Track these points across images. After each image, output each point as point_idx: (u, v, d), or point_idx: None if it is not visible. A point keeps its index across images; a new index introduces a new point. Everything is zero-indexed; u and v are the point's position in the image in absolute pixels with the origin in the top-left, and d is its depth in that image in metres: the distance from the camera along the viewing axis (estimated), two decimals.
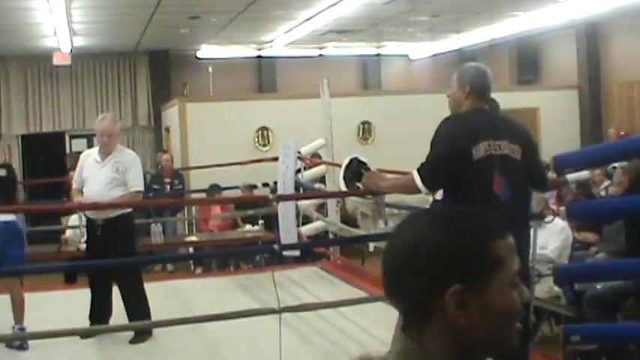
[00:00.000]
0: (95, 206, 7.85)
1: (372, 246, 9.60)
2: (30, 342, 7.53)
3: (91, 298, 8.12)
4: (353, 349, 7.11)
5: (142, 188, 7.95)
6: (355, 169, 6.20)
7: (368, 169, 6.12)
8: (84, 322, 8.07)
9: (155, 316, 7.87)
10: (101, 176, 7.84)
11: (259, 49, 18.67)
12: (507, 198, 4.58)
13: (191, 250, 13.52)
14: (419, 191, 4.91)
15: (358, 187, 6.10)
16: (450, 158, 4.61)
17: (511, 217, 4.54)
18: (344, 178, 6.24)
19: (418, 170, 4.79)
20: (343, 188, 6.25)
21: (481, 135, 4.61)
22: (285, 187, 10.12)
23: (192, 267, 13.89)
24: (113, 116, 8.42)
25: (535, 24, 16.03)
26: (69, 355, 7.46)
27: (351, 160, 6.30)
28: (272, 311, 6.29)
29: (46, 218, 14.98)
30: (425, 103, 15.56)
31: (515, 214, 4.57)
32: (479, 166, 4.56)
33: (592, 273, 5.79)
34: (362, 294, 9.22)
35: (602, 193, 10.59)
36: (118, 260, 7.75)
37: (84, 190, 7.93)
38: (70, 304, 9.21)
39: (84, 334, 7.84)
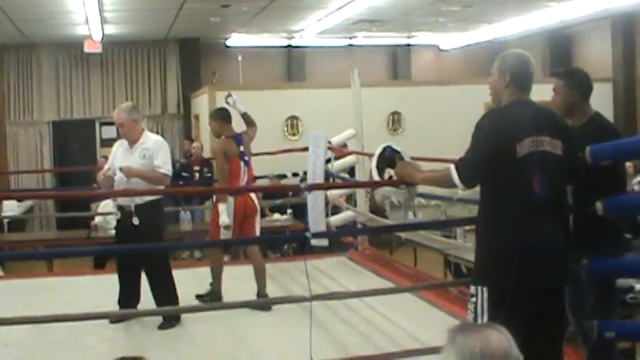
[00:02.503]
0: (124, 193, 7.88)
1: (404, 236, 9.57)
2: (59, 325, 7.55)
3: (120, 283, 8.16)
4: (379, 340, 7.09)
5: (169, 172, 7.93)
6: (388, 158, 6.11)
7: (402, 158, 6.02)
8: (112, 308, 8.11)
9: (183, 302, 7.91)
10: (130, 163, 7.88)
11: (289, 38, 18.64)
12: (544, 195, 4.49)
13: None
14: (455, 186, 4.85)
15: (391, 177, 6.01)
16: (493, 156, 4.49)
17: (547, 215, 4.51)
18: (377, 166, 6.15)
19: (456, 165, 4.72)
20: (376, 177, 6.17)
21: (525, 131, 4.49)
22: (315, 177, 10.05)
23: None
24: (128, 104, 8.39)
25: (569, 15, 15.89)
26: (98, 339, 7.49)
27: (384, 149, 6.21)
28: (303, 299, 6.24)
29: (75, 204, 15.05)
30: (455, 94, 15.52)
31: (551, 211, 4.51)
32: (522, 163, 4.46)
33: (628, 269, 5.70)
34: (389, 285, 9.19)
35: (636, 188, 10.51)
36: (146, 246, 7.79)
37: (115, 178, 7.97)
38: (99, 290, 9.24)
39: (113, 319, 7.89)
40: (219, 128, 8.86)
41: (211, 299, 8.75)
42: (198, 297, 8.83)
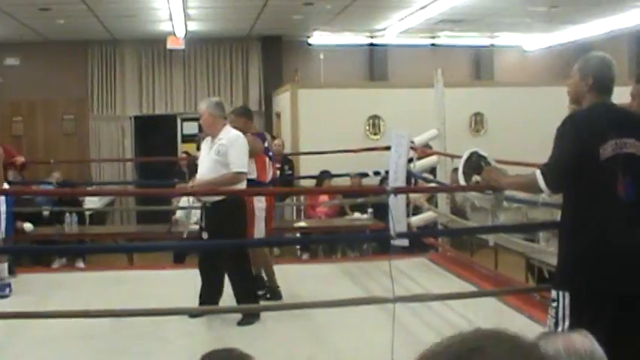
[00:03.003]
0: (190, 192, 7.94)
1: (491, 240, 9.46)
2: (140, 319, 7.62)
3: (201, 278, 8.21)
4: None
5: (242, 169, 7.90)
6: (475, 163, 6.06)
7: (488, 163, 5.97)
8: (192, 302, 8.16)
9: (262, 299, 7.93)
10: (207, 159, 7.97)
11: (371, 37, 18.57)
12: (630, 199, 4.40)
13: (298, 235, 13.55)
14: (541, 191, 4.78)
15: (477, 182, 5.96)
16: (576, 159, 4.42)
17: (632, 219, 4.41)
18: (463, 172, 6.10)
19: (541, 170, 4.65)
20: (462, 182, 6.12)
21: (608, 133, 4.41)
22: (397, 177, 10.05)
23: (298, 252, 13.89)
24: (212, 99, 8.47)
25: None
26: (177, 333, 7.55)
27: (471, 154, 6.16)
28: (385, 300, 6.18)
29: (156, 197, 15.21)
30: (539, 95, 15.31)
31: (637, 214, 4.42)
32: (605, 166, 4.38)
33: None
34: (470, 287, 9.11)
35: None
36: (225, 242, 7.83)
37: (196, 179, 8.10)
38: (179, 284, 9.31)
39: (193, 314, 7.94)
40: (243, 126, 8.83)
41: (271, 297, 8.89)
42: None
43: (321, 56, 18.01)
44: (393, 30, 17.27)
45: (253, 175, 8.66)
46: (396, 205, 9.44)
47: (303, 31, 17.92)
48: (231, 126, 8.89)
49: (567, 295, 4.38)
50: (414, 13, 15.24)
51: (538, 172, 4.66)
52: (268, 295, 9.05)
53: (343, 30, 17.64)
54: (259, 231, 8.81)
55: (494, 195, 5.89)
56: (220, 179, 7.77)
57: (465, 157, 6.16)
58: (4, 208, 9.27)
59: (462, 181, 6.11)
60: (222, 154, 7.82)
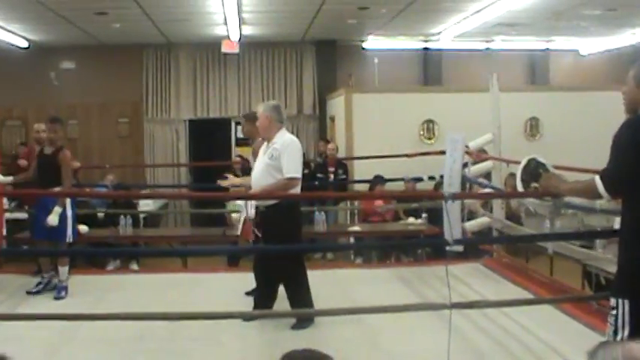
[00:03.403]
0: (244, 196, 7.96)
1: (550, 248, 9.37)
2: (194, 321, 7.64)
3: (256, 282, 8.22)
4: (516, 350, 6.93)
5: (295, 174, 7.81)
6: (533, 170, 6.00)
7: (547, 170, 5.91)
8: (246, 305, 8.17)
9: (316, 303, 7.88)
10: (261, 163, 7.96)
11: (426, 41, 18.50)
12: None
13: (352, 240, 13.52)
14: (600, 197, 4.71)
15: (536, 189, 5.90)
16: (635, 165, 4.36)
17: None
18: (522, 179, 6.04)
19: (601, 176, 4.58)
20: (520, 189, 6.06)
21: None
22: (452, 182, 9.98)
23: (352, 257, 13.85)
24: (269, 102, 8.49)
25: None
26: (231, 336, 7.55)
27: (529, 161, 6.10)
28: (443, 306, 6.12)
29: (210, 201, 15.26)
30: (596, 100, 15.14)
31: None
32: None
33: None
34: (526, 294, 9.01)
35: None
36: (279, 247, 7.82)
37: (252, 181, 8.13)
38: (233, 287, 9.31)
39: (247, 318, 7.94)
40: (255, 131, 8.92)
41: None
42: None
43: (375, 60, 17.99)
44: (447, 34, 17.19)
45: None
46: (452, 210, 9.37)
47: (358, 36, 17.90)
48: (242, 130, 9.20)
49: (627, 303, 4.30)
50: (469, 17, 15.15)
51: (597, 178, 4.59)
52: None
53: (398, 34, 17.60)
54: None
55: (553, 202, 5.83)
56: (274, 185, 7.75)
57: (523, 163, 6.11)
58: (70, 213, 9.40)
59: (520, 188, 6.06)
60: (275, 158, 7.79)
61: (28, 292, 9.38)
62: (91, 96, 18.58)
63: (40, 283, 9.52)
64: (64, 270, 9.23)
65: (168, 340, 7.43)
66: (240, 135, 18.68)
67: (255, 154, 9.15)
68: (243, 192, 8.73)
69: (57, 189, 9.16)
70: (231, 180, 8.72)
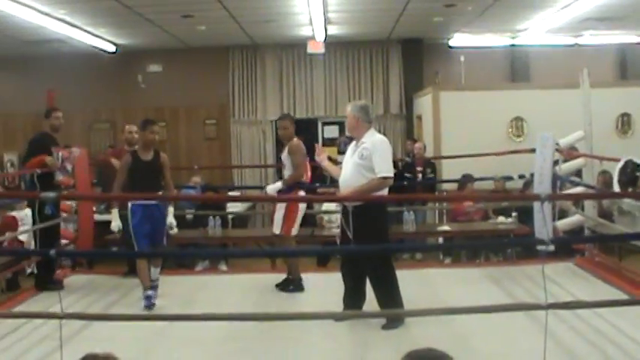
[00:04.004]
0: (333, 198, 7.93)
1: None
2: (284, 322, 7.65)
3: (344, 283, 8.20)
4: (612, 352, 6.77)
5: (387, 174, 7.81)
6: (630, 174, 5.89)
7: None
8: (335, 305, 8.15)
9: (405, 303, 7.83)
10: (350, 163, 7.94)
11: (513, 38, 18.26)
12: None
13: (440, 239, 13.41)
14: None
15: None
16: None
17: None
18: (618, 180, 5.94)
19: None
20: (617, 190, 5.95)
21: None
22: (542, 180, 9.85)
23: (440, 256, 13.75)
24: (358, 102, 8.47)
25: None
26: (322, 336, 7.54)
27: (626, 162, 5.99)
28: (537, 307, 6.01)
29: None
30: None
31: None
32: None
33: None
34: (619, 294, 8.82)
35: None
36: (368, 247, 7.78)
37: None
38: (322, 287, 9.30)
39: (337, 318, 7.93)
40: (293, 131, 9.97)
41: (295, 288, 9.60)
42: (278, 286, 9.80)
43: (462, 58, 17.84)
44: (535, 30, 16.94)
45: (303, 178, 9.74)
46: (542, 208, 9.24)
47: (444, 34, 17.75)
48: (279, 132, 10.00)
49: None
50: (557, 12, 14.92)
51: None
52: (291, 287, 9.68)
53: (484, 31, 17.40)
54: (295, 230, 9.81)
55: None
56: (368, 185, 7.72)
57: (620, 165, 6.00)
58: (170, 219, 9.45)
59: (616, 189, 5.96)
60: (365, 157, 7.77)
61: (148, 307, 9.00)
62: (178, 98, 18.79)
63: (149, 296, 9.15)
64: (155, 271, 9.25)
65: (259, 340, 7.44)
66: (327, 135, 18.71)
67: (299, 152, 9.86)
68: (334, 194, 8.78)
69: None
70: (324, 156, 8.76)
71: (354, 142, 8.10)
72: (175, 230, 9.55)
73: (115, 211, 9.32)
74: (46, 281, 10.16)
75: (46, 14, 13.49)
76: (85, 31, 15.51)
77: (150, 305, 8.88)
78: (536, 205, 8.86)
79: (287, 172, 9.91)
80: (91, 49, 17.24)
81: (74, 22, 14.56)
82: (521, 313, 7.40)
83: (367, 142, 7.86)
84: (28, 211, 12.25)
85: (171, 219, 9.33)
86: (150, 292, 8.95)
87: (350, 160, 7.98)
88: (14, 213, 12.83)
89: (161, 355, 7.26)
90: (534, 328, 7.11)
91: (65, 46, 16.79)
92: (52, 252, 6.07)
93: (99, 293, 10.16)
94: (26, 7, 12.78)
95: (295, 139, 9.97)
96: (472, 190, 13.95)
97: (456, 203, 13.95)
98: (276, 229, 9.81)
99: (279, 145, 18.83)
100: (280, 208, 9.75)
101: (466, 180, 13.91)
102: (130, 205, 9.13)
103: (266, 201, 9.43)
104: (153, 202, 9.13)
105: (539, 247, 9.71)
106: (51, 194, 6.88)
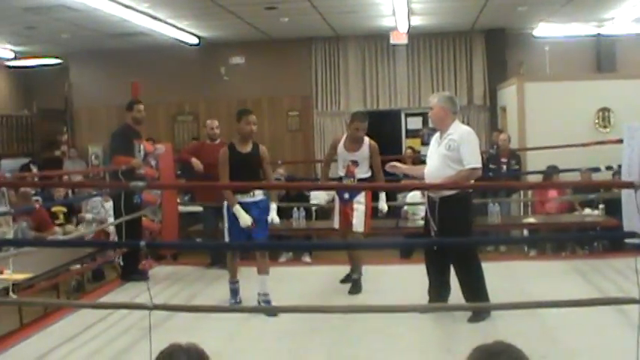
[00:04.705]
0: (417, 186, 7.87)
1: None
2: (369, 314, 7.63)
3: (428, 275, 8.15)
4: None
5: (476, 165, 7.75)
6: None
7: None
8: (420, 297, 8.10)
9: (490, 296, 7.75)
10: (436, 155, 7.88)
11: (599, 27, 17.97)
12: None
13: (525, 232, 13.27)
14: None
15: None
16: None
17: None
18: None
19: None
20: None
21: None
22: (630, 171, 9.64)
23: (525, 249, 13.60)
24: (444, 93, 8.41)
25: None
26: (407, 328, 7.51)
27: None
28: (631, 301, 5.89)
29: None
30: None
31: None
32: None
33: None
34: None
35: None
36: (453, 239, 7.72)
37: (424, 170, 8.08)
38: (406, 279, 9.24)
39: (422, 310, 7.90)
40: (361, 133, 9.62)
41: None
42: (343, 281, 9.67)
43: (546, 48, 17.62)
44: (621, 19, 16.64)
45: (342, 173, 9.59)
46: (629, 200, 9.06)
47: (528, 23, 17.53)
48: (359, 132, 9.56)
49: None
50: None
51: None
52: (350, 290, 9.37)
53: (570, 20, 17.14)
54: (335, 222, 9.75)
55: None
56: (457, 176, 7.66)
57: None
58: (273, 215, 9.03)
59: None
60: (452, 149, 7.71)
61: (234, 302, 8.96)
62: (261, 90, 18.90)
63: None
64: (264, 280, 8.71)
65: (343, 332, 7.43)
66: (410, 127, 18.65)
67: (333, 149, 9.80)
68: (417, 183, 8.65)
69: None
70: (398, 166, 8.61)
71: (437, 134, 8.04)
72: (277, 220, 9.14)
73: (238, 207, 8.54)
74: (132, 272, 10.29)
75: (130, 8, 13.66)
76: (168, 23, 15.69)
77: (236, 301, 8.84)
78: (625, 196, 8.66)
79: (360, 171, 9.61)
80: (174, 42, 17.43)
81: (157, 15, 14.73)
82: (610, 307, 7.27)
83: (454, 133, 7.80)
84: (109, 204, 12.49)
85: (273, 215, 8.96)
86: (236, 286, 8.92)
87: (436, 151, 7.92)
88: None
89: (245, 345, 7.30)
90: (622, 322, 6.99)
91: (148, 39, 17.01)
92: (142, 243, 6.11)
93: (183, 284, 10.27)
94: (110, 1, 12.97)
95: (371, 140, 9.77)
96: (563, 181, 13.76)
97: (539, 194, 13.79)
98: (359, 228, 9.46)
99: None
100: (359, 207, 9.48)
101: (551, 171, 13.73)
102: (226, 203, 8.71)
103: (355, 189, 9.29)
104: (251, 199, 8.68)
105: (628, 241, 9.53)
106: (140, 183, 6.97)
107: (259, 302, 8.44)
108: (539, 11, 15.98)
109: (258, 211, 8.70)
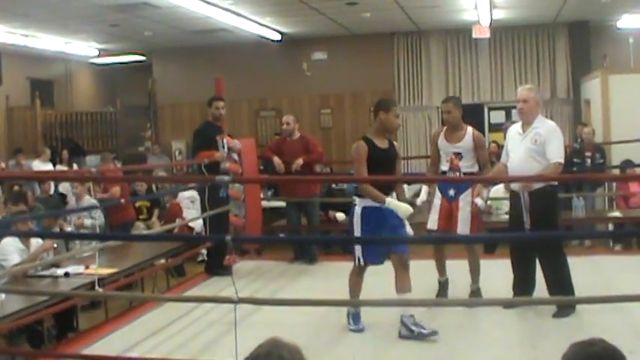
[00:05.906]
0: (497, 178, 7.85)
1: None
2: (452, 308, 7.65)
3: (513, 270, 8.13)
4: None
5: (562, 159, 7.77)
6: None
7: None
8: (504, 292, 8.09)
9: (576, 291, 7.70)
10: (521, 148, 7.86)
11: None
12: None
13: (611, 226, 13.11)
14: None
15: None
16: None
17: None
18: None
19: None
20: None
21: None
22: None
23: (610, 243, 13.44)
24: (534, 86, 8.37)
25: None
26: (491, 323, 7.54)
27: None
28: None
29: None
30: None
31: None
32: None
33: None
34: None
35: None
36: (538, 234, 7.70)
37: (507, 163, 8.03)
38: (491, 274, 9.22)
39: (506, 305, 7.88)
40: (459, 115, 8.99)
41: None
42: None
43: (631, 40, 17.34)
44: None
45: (446, 167, 8.90)
46: None
47: (612, 15, 17.27)
48: (444, 115, 9.09)
49: None
50: None
51: None
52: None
53: None
54: (432, 222, 8.87)
55: None
56: (547, 171, 7.61)
57: None
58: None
59: None
60: (539, 143, 7.70)
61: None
62: (343, 85, 18.96)
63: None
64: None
65: (427, 325, 7.37)
66: (493, 120, 18.54)
67: (434, 144, 9.06)
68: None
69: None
70: (482, 194, 8.55)
71: (516, 126, 8.01)
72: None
73: (390, 200, 7.34)
74: (217, 266, 10.41)
75: (213, 4, 13.84)
76: (251, 20, 15.84)
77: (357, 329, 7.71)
78: None
79: (464, 165, 8.68)
80: (256, 38, 17.59)
81: (240, 11, 14.89)
82: None
83: (540, 127, 7.79)
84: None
85: (423, 196, 8.93)
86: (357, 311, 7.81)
87: (520, 145, 7.88)
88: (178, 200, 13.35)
89: (331, 340, 7.36)
90: None
91: (231, 36, 17.20)
92: (228, 238, 6.20)
93: (267, 279, 10.38)
94: None
95: (475, 130, 9.03)
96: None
97: (624, 188, 13.63)
98: (465, 231, 8.53)
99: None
100: (466, 208, 8.57)
101: (626, 166, 13.46)
102: (359, 209, 7.48)
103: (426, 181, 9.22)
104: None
105: None
106: (226, 177, 7.07)
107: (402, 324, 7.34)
108: (623, 3, 15.74)
109: (397, 219, 7.39)
